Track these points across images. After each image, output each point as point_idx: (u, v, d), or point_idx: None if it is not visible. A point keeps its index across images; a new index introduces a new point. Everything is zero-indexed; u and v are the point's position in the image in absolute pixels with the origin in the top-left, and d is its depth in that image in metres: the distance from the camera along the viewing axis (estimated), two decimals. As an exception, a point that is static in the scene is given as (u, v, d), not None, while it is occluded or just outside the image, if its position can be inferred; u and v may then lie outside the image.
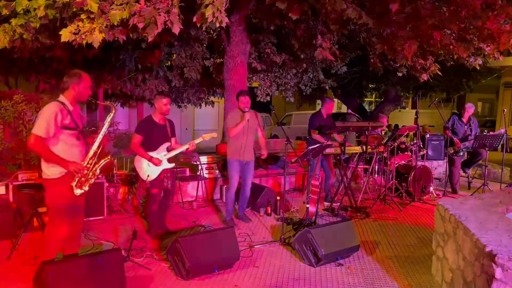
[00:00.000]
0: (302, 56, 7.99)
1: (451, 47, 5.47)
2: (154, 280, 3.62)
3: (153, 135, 4.51)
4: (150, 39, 3.94)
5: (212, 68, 8.53)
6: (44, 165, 3.26)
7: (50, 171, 3.24)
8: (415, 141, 6.85)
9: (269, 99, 9.14)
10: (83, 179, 3.26)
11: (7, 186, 5.00)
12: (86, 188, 3.29)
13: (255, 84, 9.53)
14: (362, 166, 6.95)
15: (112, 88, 8.21)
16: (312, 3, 5.36)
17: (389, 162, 6.58)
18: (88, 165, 3.28)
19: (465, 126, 7.24)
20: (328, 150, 5.64)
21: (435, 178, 8.26)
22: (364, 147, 5.92)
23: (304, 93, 10.45)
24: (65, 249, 3.54)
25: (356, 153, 6.15)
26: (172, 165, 4.62)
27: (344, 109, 19.60)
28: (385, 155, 6.55)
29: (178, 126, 5.01)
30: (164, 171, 4.57)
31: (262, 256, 4.24)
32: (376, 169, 6.79)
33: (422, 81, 6.82)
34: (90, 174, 3.29)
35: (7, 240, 4.39)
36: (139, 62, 7.60)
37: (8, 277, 3.61)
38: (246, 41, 7.03)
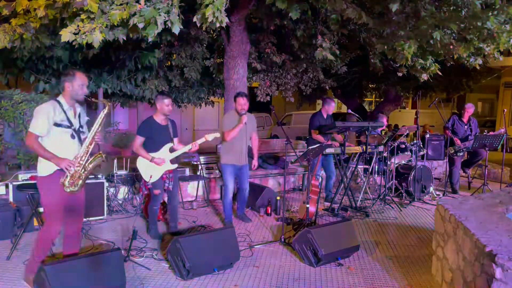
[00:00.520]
0: (302, 56, 7.99)
1: (451, 47, 5.47)
2: (154, 280, 3.62)
3: (155, 136, 4.48)
4: (150, 39, 3.95)
5: (212, 68, 8.53)
6: (38, 163, 3.29)
7: (41, 168, 3.26)
8: (415, 141, 6.86)
9: (269, 99, 9.13)
10: (75, 176, 3.25)
11: (7, 186, 5.00)
12: (78, 186, 3.28)
13: (255, 84, 9.52)
14: (362, 166, 6.95)
15: (112, 88, 8.21)
16: (312, 3, 5.36)
17: (389, 162, 6.59)
18: (80, 162, 3.27)
19: (465, 126, 7.24)
20: (328, 150, 5.64)
21: (435, 178, 8.27)
22: (364, 147, 5.92)
23: (304, 93, 10.44)
24: (64, 249, 3.56)
25: (356, 153, 6.14)
26: (175, 166, 4.61)
27: (344, 109, 19.59)
28: (385, 155, 6.56)
29: (178, 126, 4.98)
30: (167, 172, 4.56)
31: (262, 256, 4.24)
32: (376, 169, 6.80)
33: (422, 81, 6.81)
34: (82, 170, 3.28)
35: (7, 240, 4.40)
36: (139, 62, 7.61)
37: (8, 277, 3.61)
38: (246, 41, 7.03)
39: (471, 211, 3.38)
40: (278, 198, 5.87)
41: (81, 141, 3.37)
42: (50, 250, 3.80)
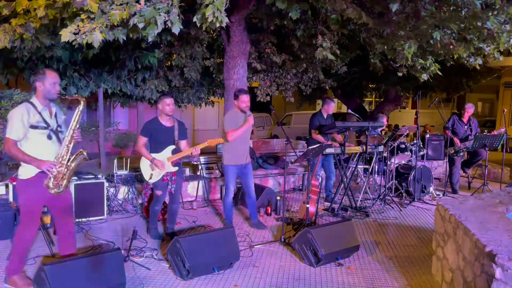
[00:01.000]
0: (302, 56, 7.99)
1: (451, 47, 5.47)
2: (154, 280, 3.62)
3: (158, 137, 4.46)
4: (150, 39, 3.95)
5: (212, 68, 8.53)
6: (20, 166, 3.26)
7: (22, 171, 3.24)
8: (415, 141, 6.86)
9: (269, 99, 9.13)
10: (59, 176, 3.23)
11: (7, 186, 5.00)
12: (63, 186, 3.26)
13: (255, 84, 9.52)
14: (362, 166, 6.95)
15: (112, 88, 8.21)
16: (312, 3, 5.35)
17: (389, 162, 6.59)
18: (62, 162, 3.25)
19: (465, 126, 7.25)
20: (328, 150, 5.63)
21: (435, 178, 8.27)
22: (364, 147, 5.92)
23: (304, 93, 10.44)
24: (61, 250, 3.56)
25: (356, 153, 6.15)
26: (176, 168, 4.50)
27: (344, 109, 19.60)
28: (385, 155, 6.56)
29: (177, 126, 4.93)
30: (168, 174, 4.50)
31: (262, 256, 4.24)
32: (376, 169, 6.80)
33: (422, 81, 6.81)
34: (65, 170, 3.26)
35: (7, 240, 4.40)
36: (139, 62, 7.60)
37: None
38: (246, 41, 7.03)
39: (471, 211, 3.38)
40: (278, 198, 5.86)
41: (60, 141, 3.32)
42: (27, 257, 3.68)
